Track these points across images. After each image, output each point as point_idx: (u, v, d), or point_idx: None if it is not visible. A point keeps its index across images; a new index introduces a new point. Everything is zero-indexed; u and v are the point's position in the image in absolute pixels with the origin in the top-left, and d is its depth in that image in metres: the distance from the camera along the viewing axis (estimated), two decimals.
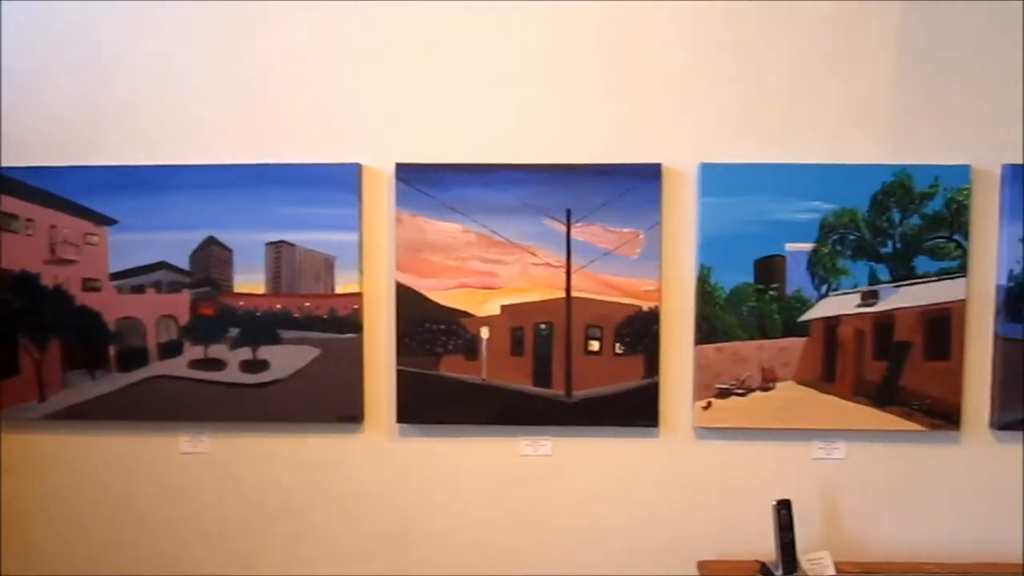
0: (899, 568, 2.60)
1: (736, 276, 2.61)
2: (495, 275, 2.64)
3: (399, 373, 2.68)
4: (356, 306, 2.67)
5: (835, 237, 2.60)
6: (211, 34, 2.67)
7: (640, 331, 2.64)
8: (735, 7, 2.60)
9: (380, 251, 2.68)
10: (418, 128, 2.66)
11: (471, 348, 2.66)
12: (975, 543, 2.69)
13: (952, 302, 2.60)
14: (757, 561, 2.56)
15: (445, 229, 2.64)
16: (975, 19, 2.59)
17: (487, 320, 2.65)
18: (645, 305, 2.63)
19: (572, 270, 2.63)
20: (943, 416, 2.62)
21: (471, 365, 2.66)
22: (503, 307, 2.65)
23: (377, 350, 2.70)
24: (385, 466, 2.74)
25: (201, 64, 2.67)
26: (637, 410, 2.66)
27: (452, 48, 2.64)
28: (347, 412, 2.69)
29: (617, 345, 2.64)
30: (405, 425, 2.72)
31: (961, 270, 2.60)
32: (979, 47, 2.59)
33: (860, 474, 2.69)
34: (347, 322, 2.67)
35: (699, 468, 2.70)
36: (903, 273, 2.60)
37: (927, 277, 2.60)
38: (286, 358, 2.69)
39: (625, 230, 2.62)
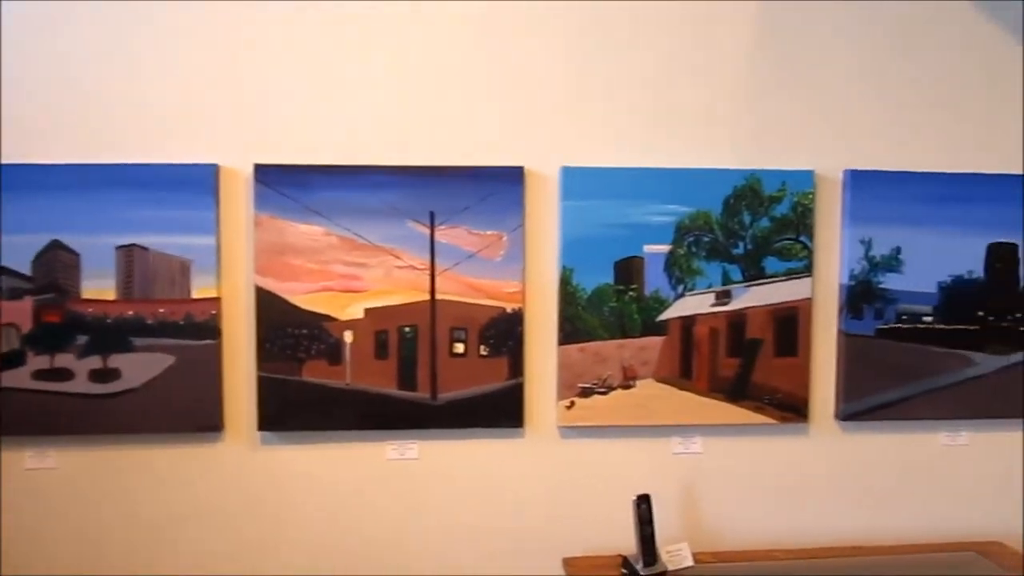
0: (752, 555, 2.72)
1: (597, 277, 2.67)
2: (358, 278, 2.61)
3: (260, 379, 2.61)
4: (214, 311, 2.59)
5: (690, 239, 2.69)
6: (56, 26, 2.53)
7: (504, 332, 2.66)
8: (596, 12, 2.66)
9: (239, 254, 2.61)
10: (278, 129, 2.60)
11: (334, 352, 2.62)
12: (822, 529, 2.83)
13: (799, 300, 2.73)
14: (620, 555, 2.62)
15: (307, 232, 2.60)
16: (819, 31, 2.72)
17: (351, 324, 2.62)
18: (509, 307, 2.65)
19: (436, 273, 2.63)
20: (792, 409, 2.75)
21: (335, 370, 2.63)
22: (367, 310, 2.62)
23: (236, 356, 2.63)
24: (247, 476, 2.67)
25: (44, 57, 2.53)
26: (502, 411, 2.68)
27: (313, 47, 2.60)
28: (206, 421, 2.61)
29: (482, 347, 2.66)
30: (267, 433, 2.66)
31: (807, 270, 2.73)
32: (822, 58, 2.73)
33: (717, 467, 2.79)
34: (204, 328, 2.59)
35: (564, 467, 2.75)
36: (754, 273, 2.72)
37: (776, 277, 2.72)
38: (139, 366, 2.58)
39: (488, 232, 2.63)
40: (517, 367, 2.67)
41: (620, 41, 2.68)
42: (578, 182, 2.65)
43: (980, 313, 2.80)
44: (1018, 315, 2.81)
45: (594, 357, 2.69)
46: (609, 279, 2.67)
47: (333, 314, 2.61)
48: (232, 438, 2.66)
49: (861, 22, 2.74)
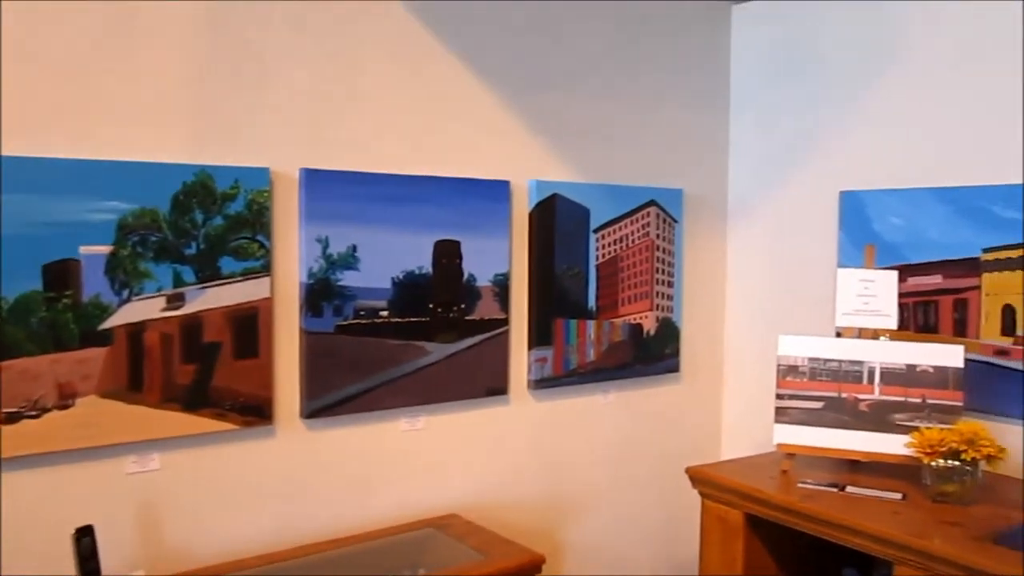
0: (223, 568, 2.60)
1: (22, 284, 2.32)
2: None
3: None
4: None
5: (135, 239, 2.48)
6: None
7: None
8: None
9: None
10: None
11: None
12: (299, 528, 2.82)
13: (258, 300, 2.68)
14: None
15: None
16: (271, 24, 2.69)
17: None
18: None
19: None
20: (255, 412, 2.69)
21: None
22: None
23: None
24: None
25: None
26: None
27: None
28: None
29: None
30: None
31: (265, 269, 2.69)
32: (276, 55, 2.70)
33: (179, 482, 2.61)
34: None
35: None
36: (209, 274, 2.60)
37: (232, 277, 2.63)
38: None
39: None
40: None
41: (47, 22, 2.36)
42: None
43: (430, 305, 3.03)
44: (462, 306, 3.10)
45: (22, 376, 2.33)
46: (37, 285, 2.34)
47: None
48: None
49: (311, 17, 2.77)
